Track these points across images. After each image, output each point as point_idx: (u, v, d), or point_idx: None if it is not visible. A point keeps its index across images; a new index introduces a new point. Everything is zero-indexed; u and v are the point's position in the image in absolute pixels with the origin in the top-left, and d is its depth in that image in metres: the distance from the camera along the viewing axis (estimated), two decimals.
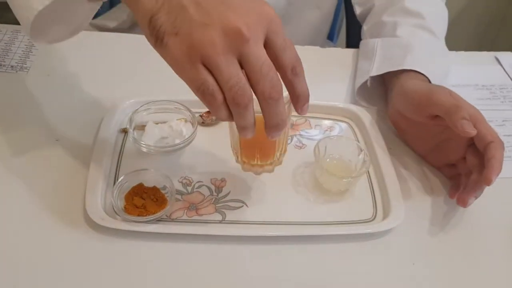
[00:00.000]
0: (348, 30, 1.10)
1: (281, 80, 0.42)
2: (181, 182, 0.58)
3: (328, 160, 0.60)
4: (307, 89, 0.44)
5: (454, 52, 0.83)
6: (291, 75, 0.42)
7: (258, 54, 0.39)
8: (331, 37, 1.12)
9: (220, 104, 0.41)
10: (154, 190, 0.55)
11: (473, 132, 0.54)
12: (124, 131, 0.62)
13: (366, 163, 0.59)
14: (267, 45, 0.41)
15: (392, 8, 0.75)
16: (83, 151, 0.60)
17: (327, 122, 0.68)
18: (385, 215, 0.57)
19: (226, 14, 0.39)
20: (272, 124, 0.43)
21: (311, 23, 0.93)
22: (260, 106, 0.42)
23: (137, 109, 0.62)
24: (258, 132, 0.44)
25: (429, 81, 0.65)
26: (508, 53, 0.85)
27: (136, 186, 0.56)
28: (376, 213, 0.57)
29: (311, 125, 0.68)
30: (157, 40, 0.40)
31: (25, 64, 0.71)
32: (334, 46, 1.12)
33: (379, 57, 0.70)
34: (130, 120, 0.61)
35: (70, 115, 0.64)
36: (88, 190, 0.54)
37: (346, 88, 0.74)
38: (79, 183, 0.56)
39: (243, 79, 0.40)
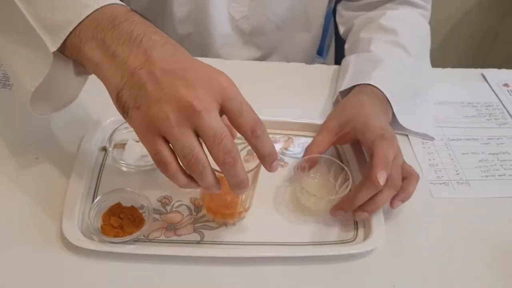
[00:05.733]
0: (337, 45, 1.11)
1: (237, 146, 0.44)
2: (160, 202, 0.58)
3: (309, 179, 0.60)
4: (272, 147, 0.46)
5: (440, 69, 0.83)
6: (251, 137, 0.44)
7: (211, 124, 0.42)
8: (320, 52, 1.12)
9: (174, 172, 0.44)
10: (132, 210, 0.55)
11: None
12: (105, 149, 0.62)
13: (347, 182, 0.58)
14: (224, 111, 0.44)
15: (369, 25, 0.77)
16: (63, 169, 0.59)
17: (309, 140, 0.68)
18: (366, 235, 0.56)
19: (179, 89, 0.42)
20: (233, 184, 0.45)
21: (301, 45, 0.93)
22: (220, 169, 0.44)
23: (117, 127, 0.62)
24: (223, 185, 0.47)
25: (388, 100, 0.67)
26: (495, 70, 0.85)
27: (114, 205, 0.55)
28: (357, 233, 0.57)
29: (294, 143, 0.67)
30: (124, 113, 0.44)
31: (8, 81, 0.70)
32: (323, 61, 1.13)
33: (350, 72, 0.72)
34: (110, 138, 0.60)
35: (51, 133, 0.64)
36: (65, 210, 0.54)
37: (330, 105, 0.74)
38: (57, 202, 0.55)
39: (196, 148, 0.42)
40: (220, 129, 0.42)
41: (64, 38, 0.45)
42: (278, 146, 0.67)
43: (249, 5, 0.84)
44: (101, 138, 0.63)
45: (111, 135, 0.61)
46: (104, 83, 0.45)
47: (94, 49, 0.44)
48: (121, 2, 0.47)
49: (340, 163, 0.60)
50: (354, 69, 0.72)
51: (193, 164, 0.43)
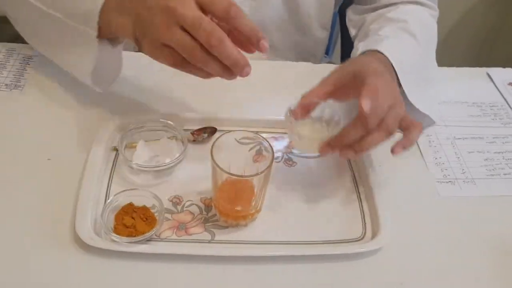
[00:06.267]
0: (343, 43, 1.11)
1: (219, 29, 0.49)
2: (171, 201, 0.59)
3: (301, 123, 0.59)
4: (253, 25, 0.50)
5: (445, 68, 0.83)
6: (229, 19, 0.49)
7: (187, 14, 0.48)
8: (326, 51, 1.13)
9: (198, 53, 0.49)
10: (144, 210, 0.56)
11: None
12: (116, 149, 0.63)
13: (339, 123, 0.58)
14: (202, 9, 0.49)
15: (379, 19, 0.77)
16: (75, 170, 0.60)
17: None
18: (374, 234, 0.57)
19: (161, 3, 0.50)
20: (231, 64, 0.50)
21: (305, 49, 0.93)
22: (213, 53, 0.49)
23: (128, 128, 0.63)
24: (235, 187, 0.52)
25: (394, 69, 0.65)
26: (500, 69, 0.85)
27: (126, 205, 0.56)
28: (365, 232, 0.58)
29: None
30: (140, 46, 0.54)
31: (19, 82, 0.71)
32: (330, 59, 1.13)
33: (360, 51, 0.70)
34: (121, 139, 0.61)
35: (63, 134, 0.65)
36: (78, 210, 0.55)
37: (337, 105, 0.74)
38: (70, 202, 0.56)
39: (184, 37, 0.49)
40: (196, 16, 0.48)
41: (96, 21, 0.55)
42: (283, 145, 0.68)
43: (250, 5, 0.84)
44: (112, 138, 0.64)
45: (122, 135, 0.62)
46: (120, 34, 0.56)
47: (118, 17, 0.54)
48: None
49: (333, 104, 0.59)
50: (363, 48, 0.70)
51: (189, 50, 0.49)
